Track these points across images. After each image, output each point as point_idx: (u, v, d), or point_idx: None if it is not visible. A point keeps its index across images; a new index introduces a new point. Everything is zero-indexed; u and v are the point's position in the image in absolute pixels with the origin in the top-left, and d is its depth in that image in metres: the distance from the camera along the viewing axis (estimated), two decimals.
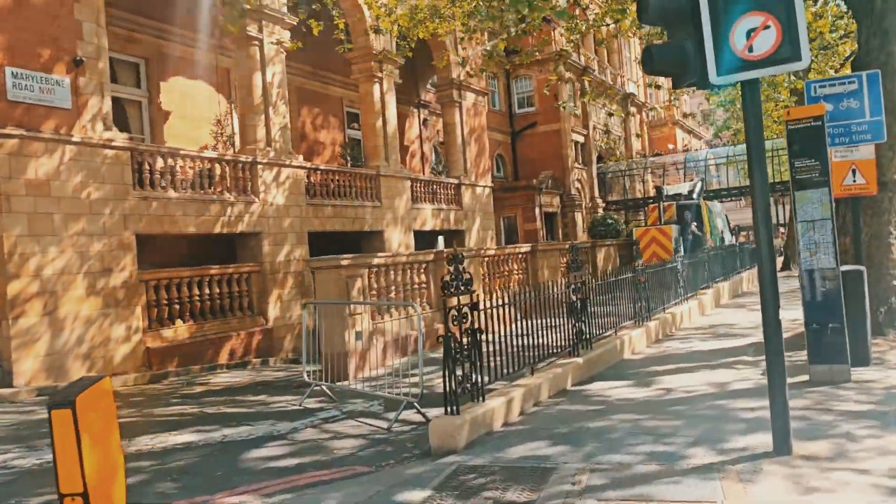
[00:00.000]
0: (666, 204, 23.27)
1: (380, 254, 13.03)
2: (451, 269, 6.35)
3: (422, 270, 12.99)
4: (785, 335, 5.50)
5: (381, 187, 19.21)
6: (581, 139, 34.47)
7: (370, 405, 8.44)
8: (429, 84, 26.13)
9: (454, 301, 6.24)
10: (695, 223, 20.51)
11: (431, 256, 13.12)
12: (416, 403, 7.25)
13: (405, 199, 20.16)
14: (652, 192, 34.98)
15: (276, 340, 14.45)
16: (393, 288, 12.16)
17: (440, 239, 23.05)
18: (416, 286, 12.80)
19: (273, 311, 14.59)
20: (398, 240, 19.76)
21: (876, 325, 9.24)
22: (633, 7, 17.64)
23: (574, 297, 8.83)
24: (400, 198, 19.94)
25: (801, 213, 7.52)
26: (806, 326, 7.56)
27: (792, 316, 12.48)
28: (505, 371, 7.15)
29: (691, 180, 28.13)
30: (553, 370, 8.01)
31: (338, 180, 17.84)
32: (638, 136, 41.11)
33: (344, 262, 10.54)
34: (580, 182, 34.25)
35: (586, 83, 34.06)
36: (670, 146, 48.65)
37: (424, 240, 21.30)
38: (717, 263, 18.11)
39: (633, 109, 42.55)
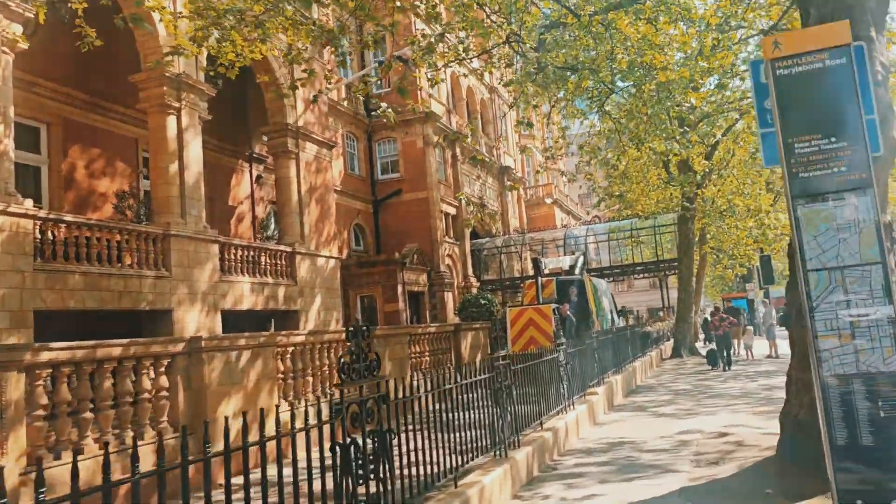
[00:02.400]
0: (545, 279, 19.59)
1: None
2: (354, 345, 4.37)
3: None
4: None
5: (172, 251, 14.22)
6: (452, 211, 30.92)
7: None
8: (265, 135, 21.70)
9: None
10: (567, 304, 16.79)
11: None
12: None
13: (210, 269, 15.20)
14: (531, 270, 31.63)
15: None
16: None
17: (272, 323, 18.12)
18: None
19: None
20: (197, 322, 14.65)
21: None
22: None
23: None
24: (202, 267, 14.97)
25: (810, 249, 3.47)
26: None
27: (724, 421, 10.22)
28: None
29: (572, 253, 24.94)
30: None
31: (99, 239, 12.74)
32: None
33: None
34: (451, 258, 30.44)
35: (458, 149, 30.88)
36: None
37: (244, 323, 16.27)
38: (608, 351, 14.29)
39: (510, 184, 39.90)
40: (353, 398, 4.38)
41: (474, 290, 30.28)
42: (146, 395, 7.67)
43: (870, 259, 3.29)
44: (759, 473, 6.54)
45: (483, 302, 24.26)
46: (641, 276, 34.22)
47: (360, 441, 4.31)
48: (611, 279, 34.44)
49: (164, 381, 7.95)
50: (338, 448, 4.13)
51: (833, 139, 3.48)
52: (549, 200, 45.15)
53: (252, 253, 17.04)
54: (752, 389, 14.10)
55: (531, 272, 23.67)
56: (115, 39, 14.44)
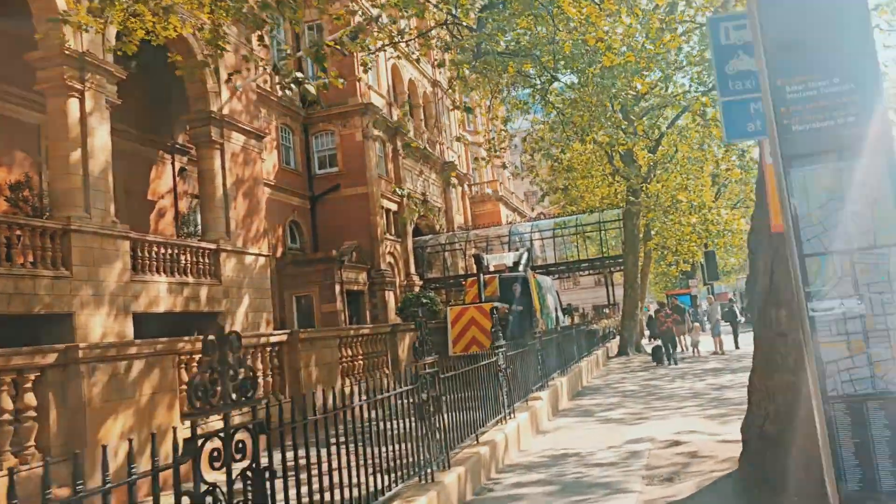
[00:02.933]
0: (487, 277, 18.75)
1: None
2: (217, 359, 3.26)
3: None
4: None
5: (74, 249, 12.79)
6: (394, 207, 29.83)
7: None
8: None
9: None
10: (508, 305, 15.95)
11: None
12: None
13: (119, 268, 13.80)
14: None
15: None
16: None
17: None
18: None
19: None
20: (103, 327, 13.25)
21: None
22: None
23: None
24: (109, 265, 13.56)
25: (807, 227, 2.58)
26: None
27: (676, 426, 9.44)
28: None
29: (517, 250, 24.19)
30: None
31: None
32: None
33: None
34: (393, 256, 29.37)
35: (399, 142, 29.83)
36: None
37: (165, 327, 14.84)
38: (553, 352, 13.50)
39: (454, 181, 39.04)
40: (213, 431, 3.33)
41: (417, 289, 29.28)
42: (6, 417, 6.43)
43: (888, 240, 2.43)
44: (721, 494, 5.74)
45: (425, 301, 23.27)
46: (587, 272, 33.82)
47: (222, 487, 3.25)
48: (556, 276, 33.94)
49: (30, 398, 6.71)
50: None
51: (837, 80, 2.63)
52: (489, 192, 44.41)
53: (171, 250, 15.67)
54: (700, 389, 13.51)
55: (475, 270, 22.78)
56: (15, 14, 12.98)
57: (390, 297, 27.53)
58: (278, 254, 24.45)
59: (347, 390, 5.90)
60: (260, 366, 10.57)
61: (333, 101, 26.57)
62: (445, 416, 6.47)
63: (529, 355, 11.11)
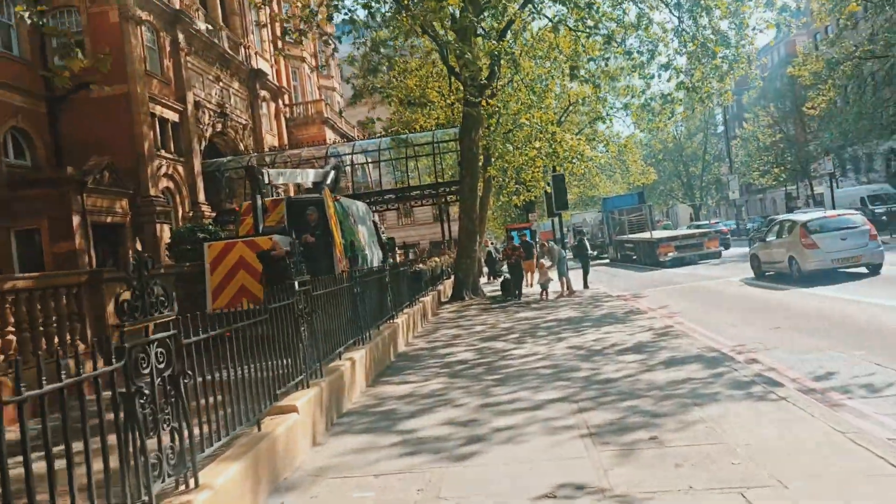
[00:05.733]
0: (270, 200, 13.38)
1: None
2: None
3: None
4: None
5: None
6: (174, 117, 23.16)
7: None
8: None
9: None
10: (282, 243, 10.89)
11: None
12: None
13: None
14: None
15: None
16: None
17: None
18: None
19: None
20: None
21: None
22: None
23: None
24: None
25: None
26: None
27: (537, 471, 5.11)
28: None
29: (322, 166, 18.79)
30: None
31: None
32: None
33: None
34: (174, 180, 22.90)
35: (181, 36, 22.94)
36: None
37: None
38: (348, 309, 8.56)
39: (264, 93, 32.51)
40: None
41: (208, 222, 23.12)
42: None
43: None
44: None
45: (203, 235, 17.37)
46: (420, 203, 29.17)
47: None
48: (384, 208, 29.02)
49: None
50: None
51: None
52: (313, 112, 38.16)
53: None
54: (562, 359, 9.23)
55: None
56: None
57: (167, 233, 21.24)
58: None
59: None
60: None
61: None
62: None
63: (288, 321, 6.07)
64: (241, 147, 29.02)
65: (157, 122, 21.84)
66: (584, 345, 10.22)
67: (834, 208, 30.19)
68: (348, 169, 26.75)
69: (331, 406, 6.78)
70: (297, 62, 43.05)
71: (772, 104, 51.23)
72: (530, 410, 6.50)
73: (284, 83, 39.33)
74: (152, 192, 20.64)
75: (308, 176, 15.02)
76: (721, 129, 61.57)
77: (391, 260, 16.28)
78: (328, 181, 15.83)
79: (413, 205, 30.55)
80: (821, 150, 42.11)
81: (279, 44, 39.80)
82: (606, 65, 20.93)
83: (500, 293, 20.47)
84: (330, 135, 44.13)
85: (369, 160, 27.57)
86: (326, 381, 6.74)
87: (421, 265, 16.92)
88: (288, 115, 38.82)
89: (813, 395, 6.50)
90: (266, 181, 12.91)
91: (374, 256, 15.48)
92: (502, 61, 18.53)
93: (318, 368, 6.81)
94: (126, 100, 20.40)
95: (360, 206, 16.06)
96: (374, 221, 16.90)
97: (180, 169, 23.16)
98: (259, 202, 12.61)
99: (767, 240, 18.11)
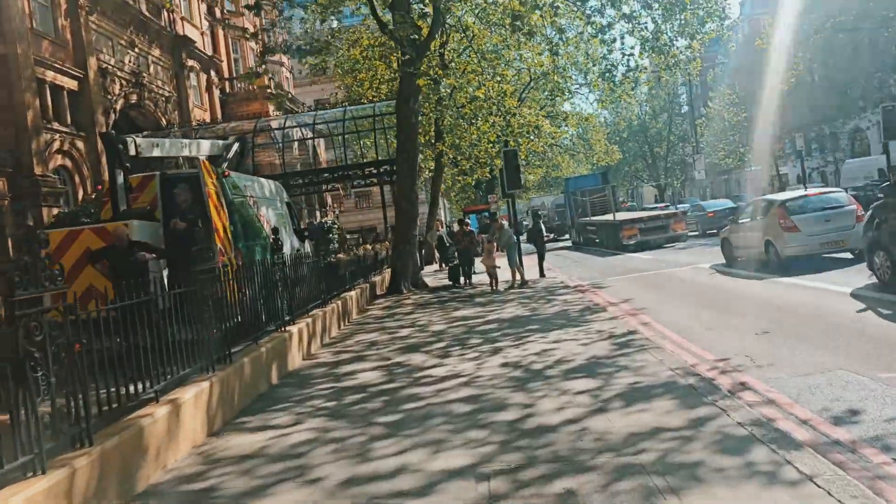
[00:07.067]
0: (137, 177, 10.77)
1: None
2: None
3: None
4: None
5: None
6: (72, 84, 20.17)
7: None
8: None
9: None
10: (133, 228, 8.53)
11: None
12: None
13: None
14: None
15: None
16: None
17: None
18: None
19: None
20: None
21: None
22: None
23: None
24: None
25: None
26: None
27: None
28: None
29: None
30: None
31: None
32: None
33: None
34: (71, 157, 19.97)
35: None
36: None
37: None
38: (209, 321, 6.12)
39: (192, 63, 29.44)
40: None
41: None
42: None
43: None
44: None
45: (87, 220, 14.65)
46: (363, 184, 26.55)
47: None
48: (320, 189, 26.31)
49: None
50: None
51: None
52: (256, 87, 35.05)
53: None
54: (489, 384, 6.90)
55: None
56: None
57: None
58: None
59: None
60: None
61: None
62: None
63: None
64: (164, 122, 26.03)
65: (47, 90, 18.85)
66: (523, 361, 7.90)
67: (839, 184, 28.37)
68: (280, 146, 24.00)
69: (108, 487, 4.33)
70: (238, 32, 39.80)
71: (736, 83, 49.47)
72: (412, 499, 4.14)
73: (223, 55, 36.24)
74: (38, 170, 17.70)
75: (200, 147, 12.38)
76: (686, 108, 59.82)
77: (306, 249, 13.72)
78: (230, 154, 13.28)
79: (354, 186, 27.87)
80: (784, 130, 40.45)
81: (217, 12, 36.77)
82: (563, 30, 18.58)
83: (447, 282, 18.61)
84: (275, 114, 41.09)
85: (308, 135, 24.81)
86: (97, 450, 4.29)
87: (341, 255, 14.41)
88: (227, 90, 35.72)
89: (841, 453, 4.30)
90: (132, 152, 10.30)
91: (285, 246, 12.94)
92: (446, 18, 16.07)
93: (83, 432, 4.34)
94: (4, 62, 17.38)
95: (268, 185, 13.47)
96: (287, 203, 14.32)
97: (80, 145, 20.19)
98: (120, 179, 10.04)
99: (740, 222, 16.05)
